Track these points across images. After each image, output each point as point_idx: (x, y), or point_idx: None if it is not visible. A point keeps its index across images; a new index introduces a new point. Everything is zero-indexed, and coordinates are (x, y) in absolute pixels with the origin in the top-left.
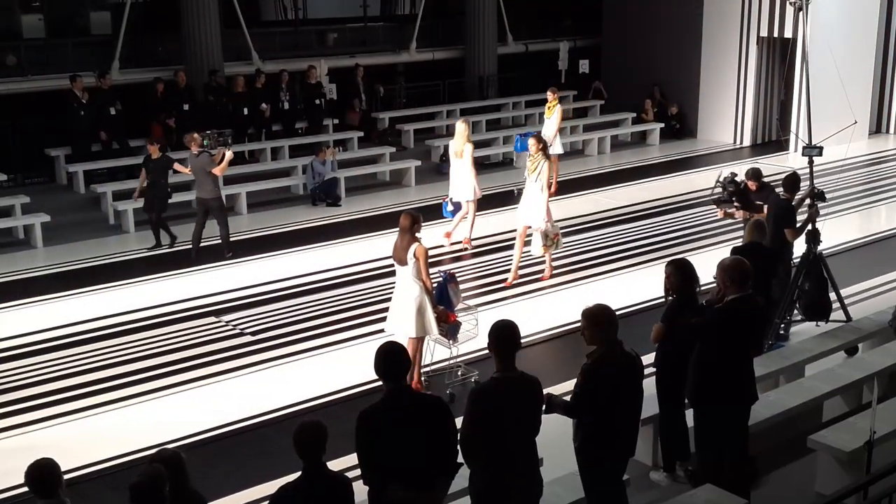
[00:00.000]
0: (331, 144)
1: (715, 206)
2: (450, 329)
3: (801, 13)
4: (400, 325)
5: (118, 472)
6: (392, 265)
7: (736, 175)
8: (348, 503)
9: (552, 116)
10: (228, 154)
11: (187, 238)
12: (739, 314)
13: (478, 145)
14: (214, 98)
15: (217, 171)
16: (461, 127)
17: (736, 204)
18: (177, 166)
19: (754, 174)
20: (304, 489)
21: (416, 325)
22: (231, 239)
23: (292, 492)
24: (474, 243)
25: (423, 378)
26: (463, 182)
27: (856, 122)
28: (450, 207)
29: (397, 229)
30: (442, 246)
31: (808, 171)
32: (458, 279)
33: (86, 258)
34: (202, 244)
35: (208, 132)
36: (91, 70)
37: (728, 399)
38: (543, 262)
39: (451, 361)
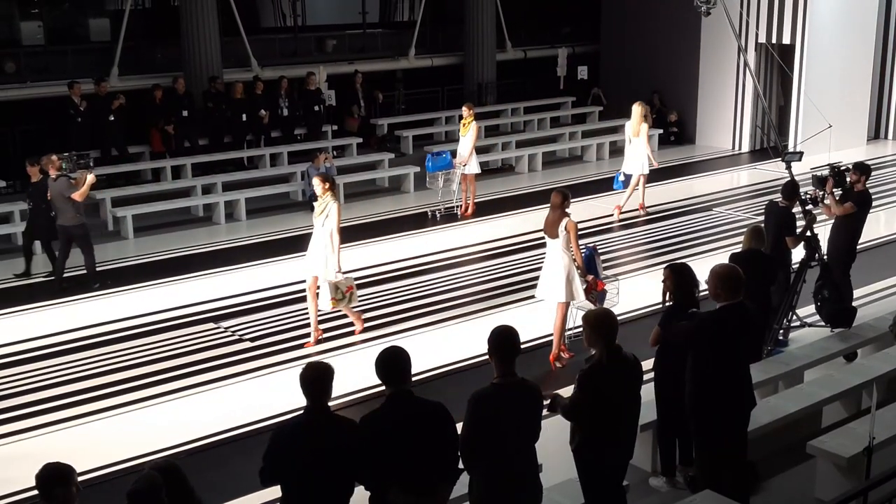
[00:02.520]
0: (329, 150)
1: (813, 184)
2: (598, 296)
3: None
4: (550, 292)
5: (115, 479)
6: (541, 238)
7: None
8: (351, 449)
9: (468, 133)
10: (90, 178)
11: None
12: (729, 322)
13: (476, 152)
14: (213, 104)
15: (77, 196)
16: (638, 109)
17: (830, 190)
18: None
19: (863, 169)
20: (302, 427)
21: (565, 291)
22: (98, 269)
23: (291, 429)
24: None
25: (565, 341)
26: (638, 158)
27: (830, 126)
28: (621, 178)
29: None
30: (610, 215)
31: (805, 176)
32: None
33: (84, 264)
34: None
35: (66, 154)
36: (90, 77)
37: (724, 407)
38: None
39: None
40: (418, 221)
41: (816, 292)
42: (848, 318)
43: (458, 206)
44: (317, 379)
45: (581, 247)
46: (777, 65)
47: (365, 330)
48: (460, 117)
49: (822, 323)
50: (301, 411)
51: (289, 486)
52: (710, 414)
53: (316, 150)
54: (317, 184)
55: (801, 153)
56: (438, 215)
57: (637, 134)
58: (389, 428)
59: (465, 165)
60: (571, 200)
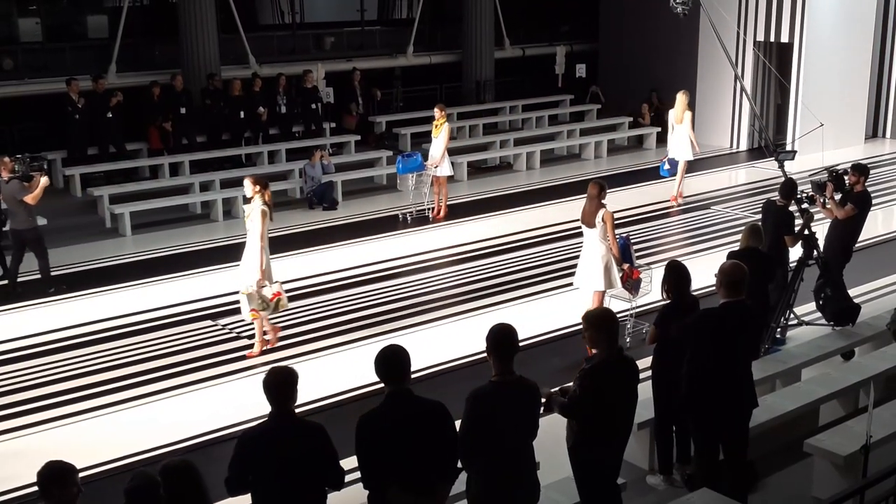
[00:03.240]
0: (326, 148)
1: (812, 187)
2: (633, 284)
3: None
4: (588, 280)
5: (113, 475)
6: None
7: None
8: (324, 449)
9: (439, 135)
10: (43, 181)
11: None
12: (729, 319)
13: (474, 149)
14: (211, 102)
15: (30, 199)
16: (682, 97)
17: (830, 195)
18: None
19: (861, 170)
20: (269, 433)
21: (603, 280)
22: (52, 273)
23: (257, 436)
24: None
25: None
26: (683, 144)
27: (822, 125)
28: (667, 166)
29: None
30: (668, 201)
31: (809, 175)
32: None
33: (82, 261)
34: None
35: (19, 156)
36: (88, 74)
37: (722, 404)
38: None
39: (627, 314)
40: (389, 224)
41: (818, 291)
42: (852, 315)
43: (429, 209)
44: (281, 384)
45: (617, 237)
46: (776, 63)
47: (264, 352)
48: (443, 118)
49: (822, 321)
50: (266, 418)
51: (258, 493)
52: (708, 411)
53: (313, 147)
54: (247, 185)
55: (794, 152)
56: (409, 218)
57: (680, 121)
58: (388, 426)
59: (436, 167)
60: (608, 191)
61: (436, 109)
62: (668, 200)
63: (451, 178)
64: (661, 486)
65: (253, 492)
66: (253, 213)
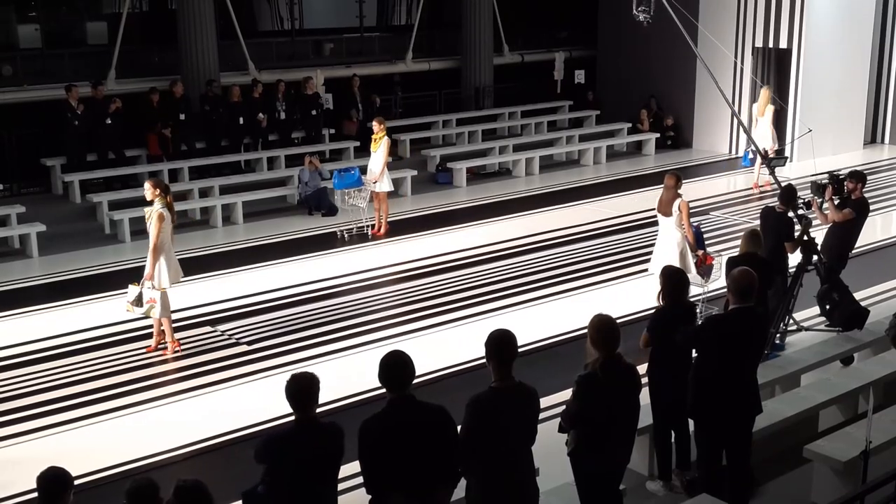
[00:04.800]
0: (315, 154)
1: (812, 191)
2: (706, 269)
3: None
4: (663, 266)
5: (113, 482)
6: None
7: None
8: (340, 451)
9: (378, 149)
10: None
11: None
12: (736, 325)
13: (472, 156)
14: (210, 108)
15: None
16: (765, 93)
17: (829, 198)
18: None
19: (860, 177)
20: (294, 437)
21: (679, 265)
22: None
23: (282, 439)
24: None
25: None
26: (765, 135)
27: (811, 131)
28: (750, 156)
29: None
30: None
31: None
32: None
33: (81, 268)
34: None
35: None
36: (87, 80)
37: (727, 411)
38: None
39: (698, 298)
40: (326, 242)
41: (822, 296)
42: (861, 319)
43: (368, 227)
44: (303, 390)
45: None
46: (774, 69)
47: (160, 350)
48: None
49: (820, 327)
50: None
51: (278, 495)
52: (714, 416)
53: (306, 153)
54: (147, 188)
55: (786, 158)
56: (347, 236)
57: (763, 114)
58: (391, 431)
59: (375, 183)
60: (682, 185)
61: (374, 123)
62: (751, 188)
63: (391, 194)
64: (661, 491)
65: (273, 494)
66: (152, 216)
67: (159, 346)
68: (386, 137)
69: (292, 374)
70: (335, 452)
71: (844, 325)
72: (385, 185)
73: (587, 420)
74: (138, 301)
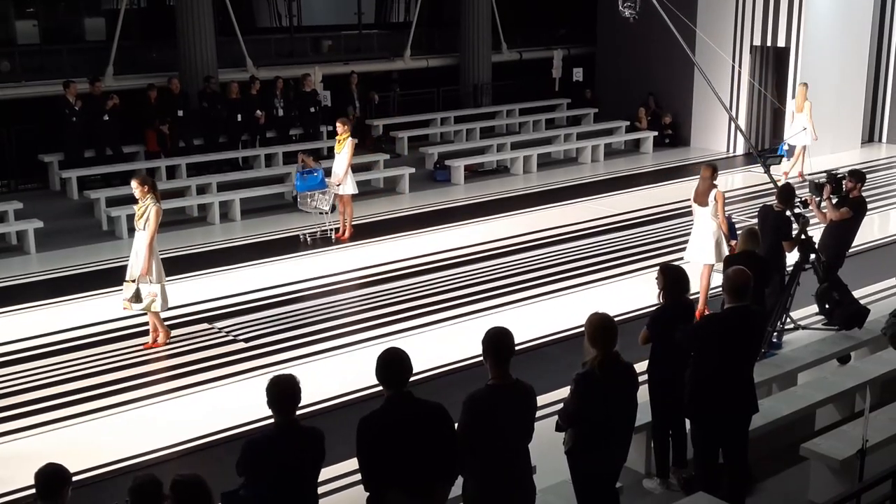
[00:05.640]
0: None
1: (810, 190)
2: None
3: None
4: (700, 254)
5: (111, 478)
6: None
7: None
8: (321, 455)
9: (342, 151)
10: None
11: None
12: (732, 324)
13: (471, 153)
14: (209, 104)
15: None
16: (802, 89)
17: (827, 196)
18: None
19: (859, 176)
20: (275, 440)
21: (714, 253)
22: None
23: (263, 442)
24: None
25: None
26: (804, 129)
27: (805, 129)
28: (786, 147)
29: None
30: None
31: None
32: None
33: (79, 264)
34: None
35: None
36: (85, 76)
37: (724, 409)
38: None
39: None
40: (289, 246)
41: (822, 295)
42: (861, 318)
43: (332, 230)
44: (284, 393)
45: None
46: (772, 67)
47: (158, 343)
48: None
49: (817, 325)
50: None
51: (259, 499)
52: (711, 415)
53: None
54: (134, 186)
55: (781, 156)
56: (310, 239)
57: (801, 110)
58: (389, 428)
59: (339, 185)
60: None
61: (338, 124)
62: (796, 178)
63: (355, 197)
64: (658, 489)
65: (254, 497)
66: (149, 213)
67: (156, 341)
68: (350, 139)
69: (272, 378)
70: (316, 456)
71: (845, 324)
72: (349, 188)
73: (585, 418)
74: (136, 297)
